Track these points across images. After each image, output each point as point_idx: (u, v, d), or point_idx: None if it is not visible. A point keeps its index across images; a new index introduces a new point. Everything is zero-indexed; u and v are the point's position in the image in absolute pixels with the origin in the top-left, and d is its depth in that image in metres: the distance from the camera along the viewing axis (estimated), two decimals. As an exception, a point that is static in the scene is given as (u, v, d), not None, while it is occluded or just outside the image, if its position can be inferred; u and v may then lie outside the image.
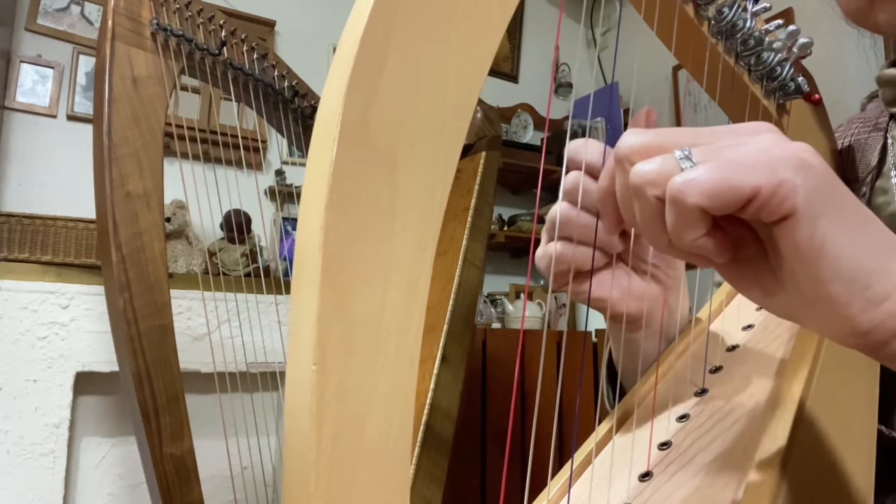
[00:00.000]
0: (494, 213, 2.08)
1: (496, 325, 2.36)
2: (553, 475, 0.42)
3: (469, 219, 1.15)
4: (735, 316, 0.52)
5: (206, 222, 1.87)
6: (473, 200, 1.17)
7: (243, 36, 1.09)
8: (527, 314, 2.36)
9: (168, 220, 1.77)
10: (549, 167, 2.54)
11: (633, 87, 2.68)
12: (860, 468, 0.41)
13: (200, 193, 1.23)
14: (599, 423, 0.46)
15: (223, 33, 1.05)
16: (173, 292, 0.96)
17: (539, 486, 0.41)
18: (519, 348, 1.70)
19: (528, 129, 2.80)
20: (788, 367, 0.42)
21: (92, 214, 1.00)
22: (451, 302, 1.06)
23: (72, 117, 2.06)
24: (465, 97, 0.29)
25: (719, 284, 0.59)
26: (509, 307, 2.43)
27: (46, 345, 1.54)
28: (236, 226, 1.84)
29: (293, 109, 1.18)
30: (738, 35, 0.44)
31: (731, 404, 0.42)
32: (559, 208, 0.42)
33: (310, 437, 0.25)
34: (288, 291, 1.67)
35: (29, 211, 1.64)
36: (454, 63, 0.28)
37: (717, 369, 0.46)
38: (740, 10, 0.44)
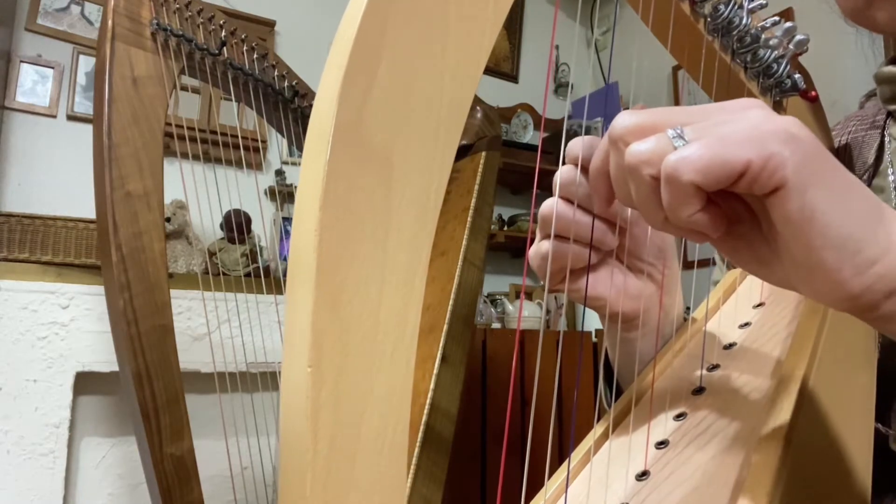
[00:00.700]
0: (494, 213, 2.08)
1: (496, 325, 2.36)
2: (551, 475, 0.42)
3: (469, 219, 1.15)
4: (732, 314, 0.52)
5: (206, 222, 1.87)
6: (473, 200, 1.17)
7: (243, 36, 1.09)
8: (526, 314, 2.36)
9: (168, 220, 1.77)
10: (548, 167, 2.53)
11: (633, 87, 2.68)
12: (858, 466, 0.41)
13: (200, 193, 1.23)
14: (598, 422, 0.46)
15: (223, 33, 1.05)
16: (173, 292, 0.96)
17: (538, 485, 0.41)
18: (516, 348, 1.70)
19: (528, 129, 2.80)
20: (785, 365, 0.42)
21: (92, 214, 1.01)
22: (451, 302, 1.06)
23: (72, 117, 2.06)
24: (459, 97, 0.29)
25: (716, 283, 0.59)
26: (509, 307, 2.43)
27: (46, 345, 1.54)
28: (236, 226, 1.83)
29: (293, 109, 1.18)
30: (735, 32, 0.44)
31: (729, 403, 0.42)
32: (554, 205, 0.42)
33: (305, 439, 0.25)
34: (288, 291, 1.67)
35: (29, 211, 1.64)
36: (448, 63, 0.28)
37: (714, 367, 0.46)
38: (736, 7, 0.44)
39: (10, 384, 1.50)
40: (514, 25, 2.98)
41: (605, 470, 0.41)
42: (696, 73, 0.45)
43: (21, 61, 2.01)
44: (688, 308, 0.55)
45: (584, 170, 0.41)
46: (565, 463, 0.41)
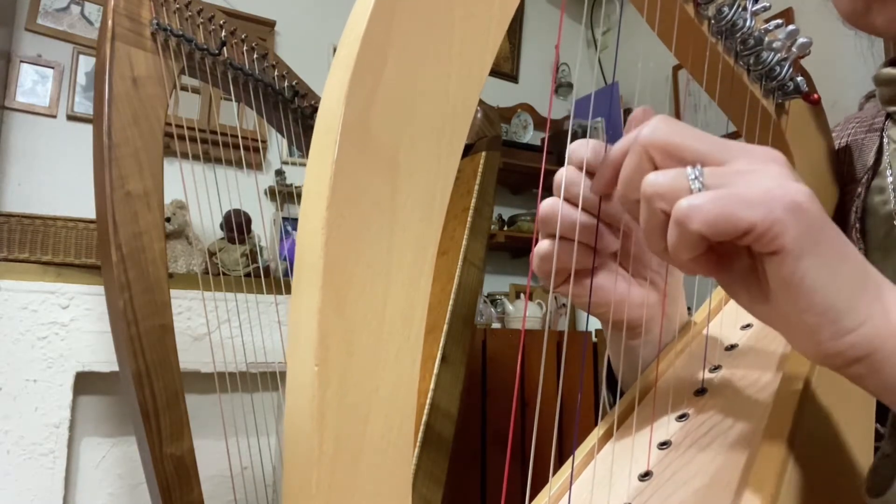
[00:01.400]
0: (494, 213, 2.08)
1: (496, 325, 2.36)
2: (553, 474, 0.42)
3: (469, 219, 1.15)
4: (734, 315, 0.52)
5: (206, 222, 1.87)
6: (473, 200, 1.17)
7: (243, 36, 1.09)
8: (527, 314, 2.36)
9: (168, 220, 1.77)
10: (549, 167, 2.54)
11: (634, 87, 2.68)
12: (860, 467, 0.41)
13: (200, 193, 1.23)
14: (599, 422, 0.46)
15: (223, 33, 1.05)
16: (173, 292, 0.96)
17: (539, 485, 0.41)
18: (520, 348, 1.70)
19: (528, 129, 2.80)
20: (787, 367, 0.42)
21: (92, 214, 1.00)
22: (451, 302, 1.06)
23: (72, 117, 2.06)
24: (465, 97, 0.29)
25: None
26: (509, 307, 2.43)
27: (46, 345, 1.54)
28: (236, 226, 1.83)
29: (293, 109, 1.18)
30: (738, 34, 0.44)
31: (731, 403, 0.42)
32: (553, 205, 0.42)
33: (311, 438, 0.25)
34: (288, 291, 1.67)
35: (29, 211, 1.64)
36: (455, 63, 0.28)
37: (716, 368, 0.46)
38: (740, 9, 0.44)
39: (10, 384, 1.50)
40: (514, 25, 2.99)
41: (607, 470, 0.41)
42: (700, 75, 0.45)
43: (21, 61, 2.01)
44: (689, 308, 0.55)
45: (587, 173, 0.41)
46: (568, 462, 0.41)
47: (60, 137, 2.03)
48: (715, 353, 0.48)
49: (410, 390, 0.28)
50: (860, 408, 0.45)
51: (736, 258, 0.33)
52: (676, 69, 2.67)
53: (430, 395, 0.97)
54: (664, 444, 0.41)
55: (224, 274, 1.81)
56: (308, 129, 1.22)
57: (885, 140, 0.57)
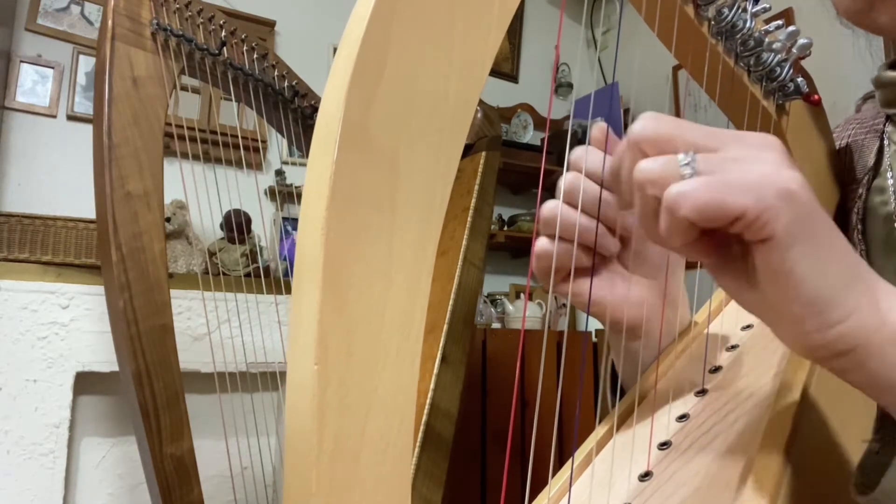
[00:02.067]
0: (494, 213, 2.08)
1: (496, 325, 2.36)
2: (553, 475, 0.42)
3: (469, 219, 1.15)
4: (734, 316, 0.52)
5: (206, 222, 1.87)
6: (473, 200, 1.17)
7: (243, 36, 1.09)
8: (527, 314, 2.36)
9: (168, 220, 1.77)
10: (549, 167, 2.54)
11: (634, 87, 2.68)
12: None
13: (200, 193, 1.23)
14: (599, 422, 0.46)
15: (223, 33, 1.05)
16: (173, 292, 0.96)
17: (539, 485, 0.41)
18: (520, 348, 1.70)
19: (528, 129, 2.80)
20: (788, 366, 0.42)
21: (92, 214, 1.01)
22: (451, 302, 1.06)
23: (72, 117, 2.06)
24: (465, 97, 0.29)
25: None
26: (509, 307, 2.43)
27: (46, 345, 1.54)
28: (236, 226, 1.83)
29: (293, 109, 1.18)
30: (738, 36, 0.44)
31: (731, 404, 0.42)
32: (555, 206, 0.42)
33: (311, 437, 0.25)
34: (288, 291, 1.67)
35: (29, 211, 1.64)
36: (454, 64, 0.28)
37: (716, 369, 0.46)
38: (740, 10, 0.44)
39: (10, 384, 1.50)
40: (514, 25, 2.99)
41: (607, 470, 0.41)
42: (700, 75, 0.45)
43: (21, 61, 2.01)
44: (690, 308, 0.55)
45: (587, 176, 0.42)
46: (568, 463, 0.42)
47: (60, 137, 2.03)
48: (715, 353, 0.48)
49: (410, 390, 0.28)
50: (860, 408, 0.45)
51: (727, 245, 0.32)
52: (676, 69, 2.67)
53: (430, 395, 0.97)
54: (664, 445, 0.41)
55: (224, 274, 1.81)
56: (308, 129, 1.22)
57: (886, 141, 0.57)
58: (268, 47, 1.19)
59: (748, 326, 0.50)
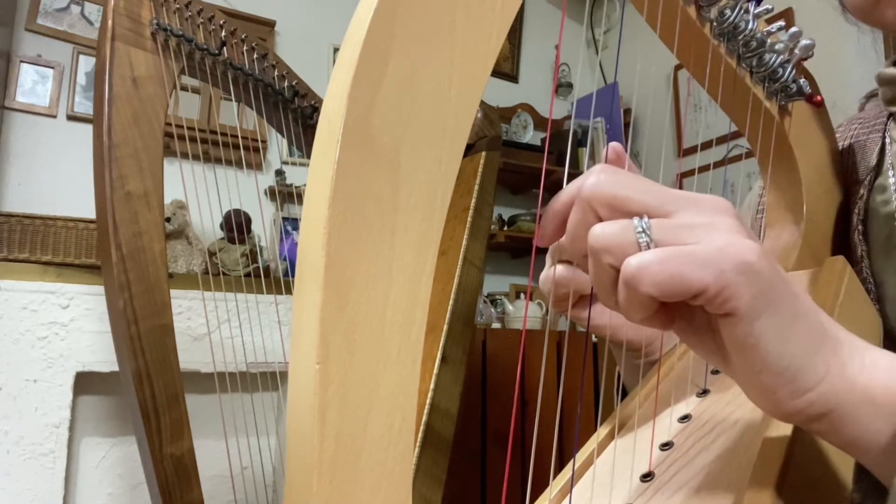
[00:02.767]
0: (494, 213, 2.09)
1: (496, 325, 2.36)
2: (554, 475, 0.42)
3: (469, 219, 1.15)
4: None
5: (206, 222, 1.87)
6: (473, 200, 1.17)
7: (243, 36, 1.09)
8: (527, 314, 2.36)
9: (168, 220, 1.77)
10: (549, 167, 2.54)
11: (634, 87, 2.68)
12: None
13: (200, 193, 1.23)
14: (601, 423, 0.46)
15: (223, 33, 1.05)
16: (173, 292, 0.96)
17: (540, 485, 0.41)
18: (521, 348, 1.70)
19: (528, 129, 2.80)
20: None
21: (92, 214, 1.01)
22: (451, 302, 1.06)
23: (72, 117, 2.06)
24: (467, 97, 0.29)
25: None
26: (509, 307, 2.43)
27: (46, 345, 1.54)
28: (236, 226, 1.83)
29: (293, 109, 1.18)
30: (740, 37, 0.44)
31: (733, 404, 0.42)
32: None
33: (312, 436, 0.25)
34: (288, 291, 1.67)
35: (29, 211, 1.64)
36: (456, 63, 0.28)
37: (718, 370, 0.46)
38: (742, 12, 0.44)
39: (10, 384, 1.50)
40: (513, 25, 2.98)
41: (609, 471, 0.41)
42: (702, 77, 0.45)
43: (21, 61, 2.01)
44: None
45: None
46: (570, 463, 0.42)
47: (60, 137, 2.03)
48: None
49: (411, 389, 0.28)
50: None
51: (690, 315, 0.32)
52: (677, 69, 2.67)
53: (430, 394, 0.97)
54: (666, 445, 0.41)
55: (224, 274, 1.81)
56: (308, 129, 1.22)
57: (888, 140, 0.57)
58: (268, 47, 1.19)
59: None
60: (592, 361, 2.00)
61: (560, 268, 0.44)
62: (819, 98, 0.50)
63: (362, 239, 0.26)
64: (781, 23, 0.46)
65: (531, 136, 2.79)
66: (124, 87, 0.93)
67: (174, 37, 0.98)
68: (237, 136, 2.03)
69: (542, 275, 0.45)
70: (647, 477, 0.39)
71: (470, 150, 1.25)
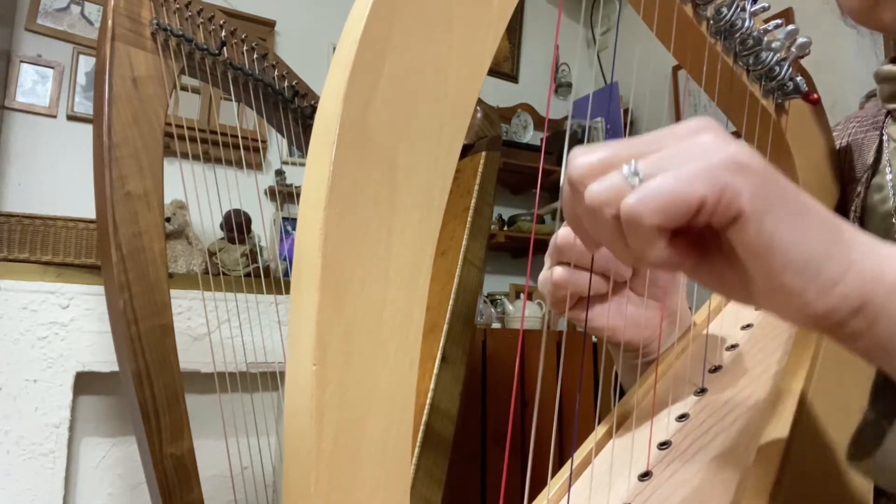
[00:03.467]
0: (494, 213, 2.08)
1: (496, 325, 2.36)
2: (553, 475, 0.42)
3: (469, 219, 1.15)
4: (734, 315, 0.52)
5: (206, 222, 1.87)
6: (473, 200, 1.17)
7: (243, 36, 1.09)
8: (527, 314, 2.36)
9: (168, 220, 1.77)
10: (548, 167, 2.54)
11: (633, 86, 2.68)
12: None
13: (200, 193, 1.23)
14: (599, 422, 0.46)
15: (223, 33, 1.05)
16: (173, 292, 0.96)
17: (539, 485, 0.41)
18: (519, 348, 1.70)
19: (528, 129, 2.80)
20: (788, 366, 0.42)
21: (92, 214, 1.01)
22: (451, 302, 1.06)
23: (72, 117, 2.06)
24: (464, 97, 0.29)
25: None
26: (509, 307, 2.43)
27: (46, 345, 1.54)
28: (236, 226, 1.83)
29: (293, 109, 1.18)
30: (737, 35, 0.44)
31: (731, 403, 0.42)
32: (561, 233, 0.43)
33: (310, 437, 0.25)
34: (288, 291, 1.66)
35: (29, 211, 1.64)
36: (453, 63, 0.28)
37: (716, 369, 0.46)
38: (739, 9, 0.44)
39: (10, 384, 1.50)
40: (513, 25, 2.98)
41: (607, 470, 0.41)
42: (699, 75, 0.45)
43: (21, 61, 2.01)
44: (690, 308, 0.55)
45: None
46: (568, 463, 0.42)
47: (60, 137, 2.03)
48: (715, 353, 0.48)
49: (409, 390, 0.28)
50: (860, 406, 0.45)
51: (700, 243, 0.31)
52: (676, 69, 2.67)
53: (429, 395, 0.97)
54: (664, 445, 0.41)
55: (224, 274, 1.81)
56: (308, 129, 1.22)
57: (885, 138, 0.57)
58: (268, 47, 1.19)
59: (748, 326, 0.50)
60: (592, 361, 2.00)
61: (558, 269, 0.44)
62: (815, 96, 0.50)
63: (359, 239, 0.26)
64: (778, 20, 0.46)
65: (531, 136, 2.79)
66: (124, 87, 0.93)
67: (174, 37, 0.98)
68: (237, 136, 2.03)
69: (541, 276, 0.46)
70: (645, 476, 0.39)
71: (470, 150, 1.25)
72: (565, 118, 2.99)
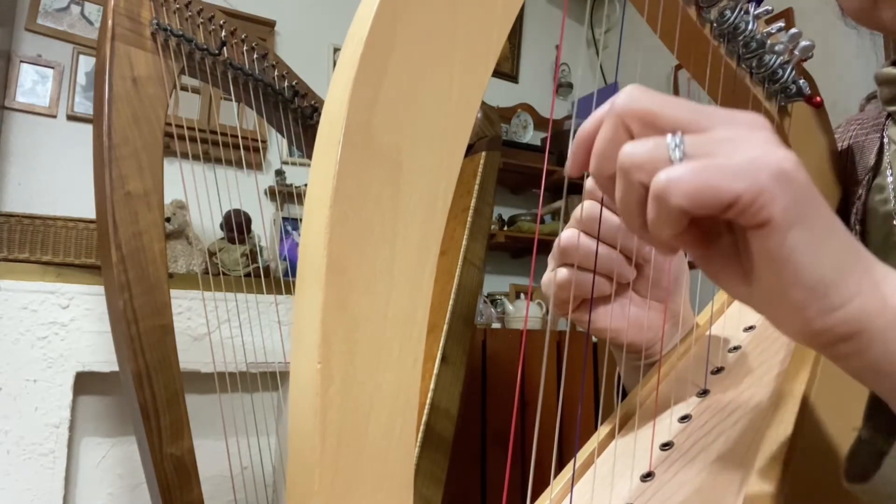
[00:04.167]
0: (494, 213, 2.09)
1: (496, 325, 2.36)
2: (555, 475, 0.42)
3: (469, 219, 1.15)
4: (737, 317, 0.52)
5: (206, 222, 1.87)
6: (473, 200, 1.17)
7: (243, 36, 1.09)
8: (528, 314, 2.36)
9: (168, 220, 1.77)
10: (549, 167, 2.54)
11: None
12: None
13: (200, 193, 1.23)
14: (601, 423, 0.46)
15: (223, 33, 1.05)
16: (173, 292, 0.96)
17: (540, 485, 0.41)
18: (521, 348, 1.70)
19: (528, 129, 2.80)
20: (790, 367, 0.42)
21: (92, 214, 1.01)
22: (451, 302, 1.06)
23: (72, 117, 2.06)
24: (468, 98, 0.29)
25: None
26: (509, 307, 2.43)
27: (46, 345, 1.54)
28: (236, 226, 1.83)
29: (293, 109, 1.18)
30: (740, 38, 0.44)
31: (733, 405, 0.42)
32: (565, 235, 0.44)
33: (313, 436, 0.25)
34: (288, 291, 1.67)
35: (29, 211, 1.64)
36: (457, 65, 0.28)
37: (718, 370, 0.46)
38: (742, 12, 0.44)
39: (10, 384, 1.50)
40: (513, 25, 2.98)
41: (609, 471, 0.41)
42: (702, 77, 0.45)
43: (21, 61, 2.01)
44: (692, 309, 0.55)
45: (606, 207, 0.43)
46: (570, 463, 0.42)
47: (60, 137, 2.03)
48: (717, 354, 0.48)
49: (412, 389, 0.28)
50: (861, 407, 0.45)
51: (717, 235, 0.31)
52: (677, 69, 2.67)
53: (430, 394, 0.97)
54: (666, 445, 0.41)
55: (224, 274, 1.81)
56: (308, 129, 1.22)
57: (886, 140, 0.57)
58: (268, 47, 1.19)
59: (750, 328, 0.50)
60: (593, 361, 2.00)
61: (562, 271, 0.44)
62: (819, 99, 0.50)
63: (363, 239, 0.26)
64: (781, 23, 0.46)
65: (531, 136, 2.79)
66: (124, 87, 0.93)
67: (174, 37, 0.98)
68: (237, 136, 2.03)
69: (545, 277, 0.46)
70: (648, 477, 0.39)
71: (470, 150, 1.25)
72: (566, 118, 2.99)
